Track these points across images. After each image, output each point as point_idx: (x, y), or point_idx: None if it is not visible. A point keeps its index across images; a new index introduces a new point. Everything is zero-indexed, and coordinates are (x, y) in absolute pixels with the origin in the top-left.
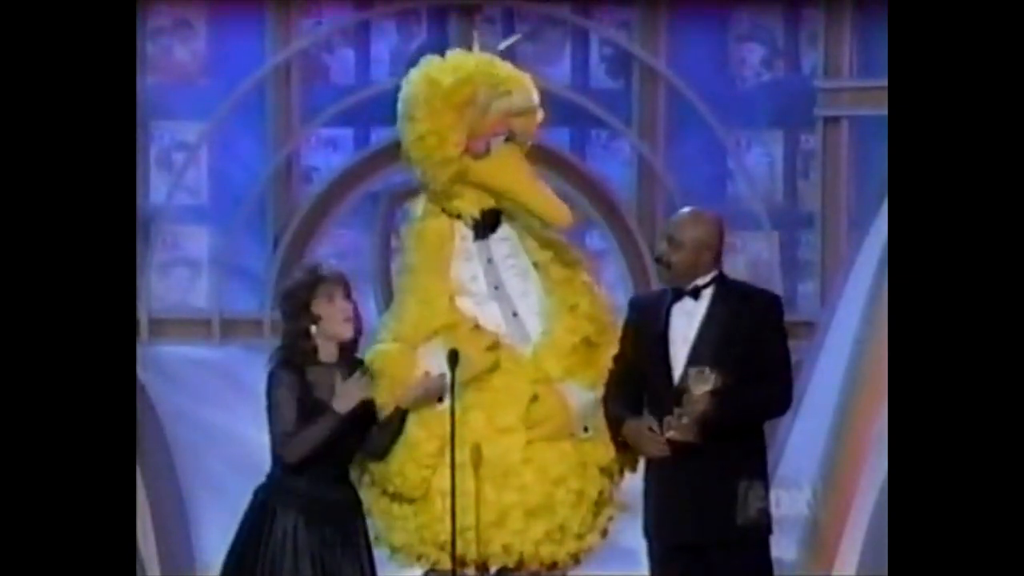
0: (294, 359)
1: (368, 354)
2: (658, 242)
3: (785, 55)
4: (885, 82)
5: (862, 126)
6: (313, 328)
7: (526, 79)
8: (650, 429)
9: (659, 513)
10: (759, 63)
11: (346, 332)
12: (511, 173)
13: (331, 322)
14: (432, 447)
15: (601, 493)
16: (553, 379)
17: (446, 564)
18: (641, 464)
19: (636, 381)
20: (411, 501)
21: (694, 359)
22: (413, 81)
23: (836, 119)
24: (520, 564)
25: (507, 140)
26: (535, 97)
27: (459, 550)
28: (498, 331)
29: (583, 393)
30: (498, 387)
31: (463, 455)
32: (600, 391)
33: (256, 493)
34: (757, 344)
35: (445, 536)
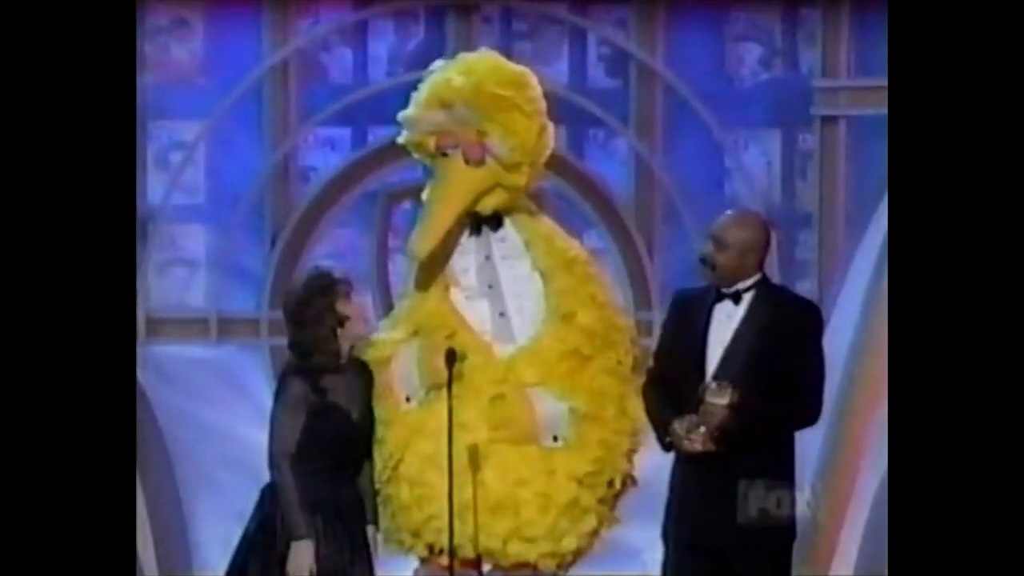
0: (312, 365)
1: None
2: (704, 242)
3: (783, 54)
4: (883, 82)
5: (860, 126)
6: (339, 330)
7: (514, 132)
8: (686, 429)
9: (678, 513)
10: (757, 62)
11: (369, 328)
12: (438, 182)
13: (356, 320)
14: (398, 440)
15: (576, 501)
16: (525, 383)
17: (420, 551)
18: (669, 466)
19: (675, 378)
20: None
21: (726, 363)
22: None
23: (834, 118)
24: (495, 561)
25: (467, 163)
26: (517, 139)
27: (429, 539)
28: (482, 328)
29: (555, 403)
30: (464, 385)
31: (431, 447)
32: (579, 404)
33: (263, 491)
34: (791, 353)
35: (415, 524)
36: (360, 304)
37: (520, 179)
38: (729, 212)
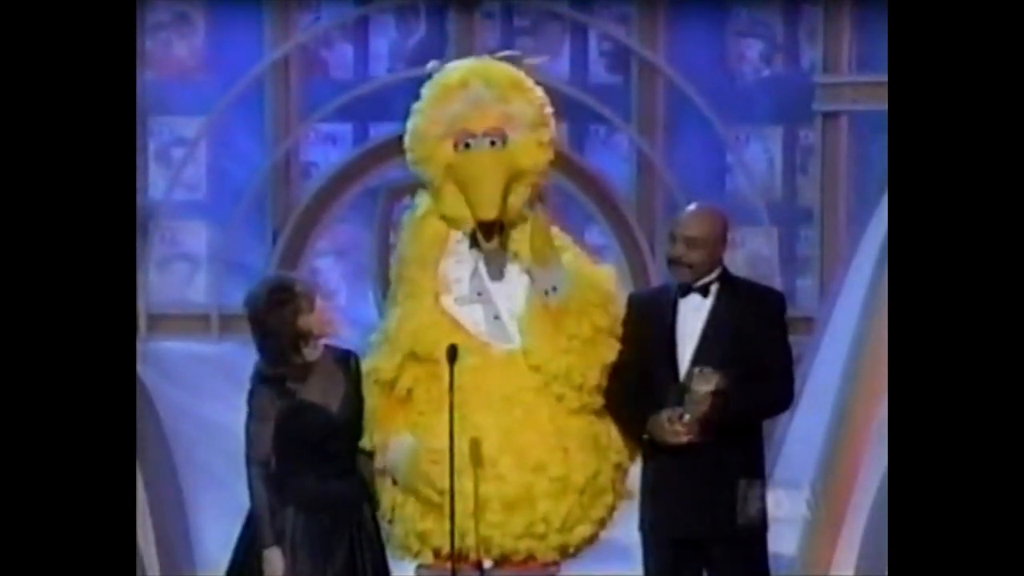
0: (277, 373)
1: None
2: (670, 244)
3: (784, 50)
4: (884, 77)
5: (861, 121)
6: (302, 342)
7: (533, 92)
8: (669, 420)
9: (658, 508)
10: (758, 58)
11: (333, 330)
12: (475, 171)
13: (320, 328)
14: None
15: (595, 476)
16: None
17: (427, 556)
18: (639, 461)
19: (642, 377)
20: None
21: (700, 355)
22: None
23: (835, 114)
24: (502, 559)
25: (493, 144)
26: (537, 110)
27: (436, 543)
28: (478, 331)
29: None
30: (468, 389)
31: (438, 452)
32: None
33: None
34: (761, 341)
35: (424, 526)
36: (322, 310)
37: (543, 136)
38: (690, 209)
